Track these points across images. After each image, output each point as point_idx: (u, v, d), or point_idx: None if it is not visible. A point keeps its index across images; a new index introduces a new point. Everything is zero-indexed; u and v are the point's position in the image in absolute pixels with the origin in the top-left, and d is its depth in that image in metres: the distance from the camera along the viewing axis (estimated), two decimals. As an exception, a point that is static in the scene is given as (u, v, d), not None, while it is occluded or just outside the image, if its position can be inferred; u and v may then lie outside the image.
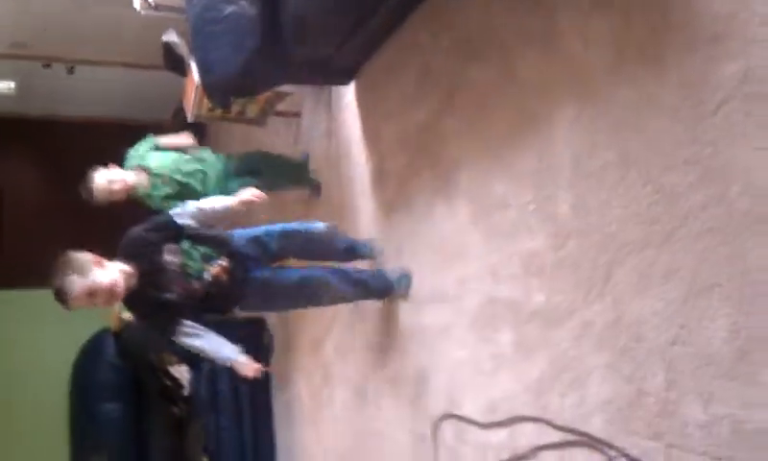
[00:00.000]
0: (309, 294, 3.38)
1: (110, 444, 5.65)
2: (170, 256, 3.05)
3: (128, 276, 2.95)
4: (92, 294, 2.87)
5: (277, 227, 3.43)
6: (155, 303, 3.01)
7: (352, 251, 3.70)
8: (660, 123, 2.09)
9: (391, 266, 3.60)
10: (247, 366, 3.18)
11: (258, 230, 3.39)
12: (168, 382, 5.69)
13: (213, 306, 3.22)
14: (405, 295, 3.49)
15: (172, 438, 5.56)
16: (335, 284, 3.39)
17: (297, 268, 3.51)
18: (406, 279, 3.47)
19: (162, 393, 5.69)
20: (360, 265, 3.75)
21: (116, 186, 4.24)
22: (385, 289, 3.53)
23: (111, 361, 5.91)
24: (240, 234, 3.32)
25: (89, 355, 6.03)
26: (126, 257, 3.00)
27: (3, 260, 7.30)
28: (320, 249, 3.58)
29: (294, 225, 3.52)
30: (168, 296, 3.00)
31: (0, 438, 6.41)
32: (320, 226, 3.56)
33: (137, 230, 3.09)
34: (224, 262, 3.16)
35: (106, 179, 4.24)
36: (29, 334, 6.93)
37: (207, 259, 3.23)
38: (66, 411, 6.00)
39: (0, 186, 7.65)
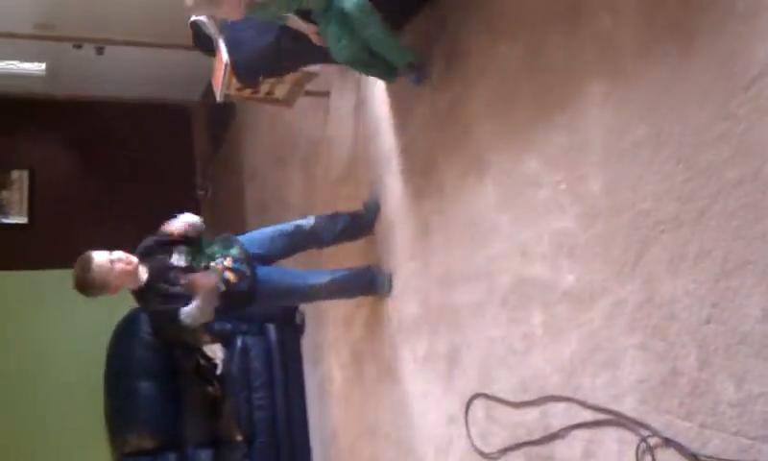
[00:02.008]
0: (311, 294, 4.00)
1: (146, 422, 5.72)
2: (177, 256, 3.53)
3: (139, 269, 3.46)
4: (113, 261, 3.36)
5: (276, 228, 3.92)
6: (164, 294, 3.42)
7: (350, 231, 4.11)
8: (691, 99, 2.06)
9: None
10: None
11: (260, 233, 3.92)
12: (202, 361, 5.76)
13: (231, 308, 3.64)
14: (388, 293, 3.96)
15: (207, 416, 5.62)
16: (330, 285, 3.89)
17: (298, 270, 4.08)
18: (388, 281, 3.95)
19: (197, 371, 5.75)
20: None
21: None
22: (371, 286, 4.00)
23: (146, 340, 5.98)
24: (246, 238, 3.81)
25: (124, 334, 6.10)
26: (140, 257, 3.48)
27: (36, 240, 7.41)
28: (313, 242, 4.04)
29: (288, 226, 3.95)
30: (177, 290, 3.40)
31: (37, 416, 6.53)
32: (311, 220, 3.98)
33: (151, 237, 3.61)
34: (227, 262, 3.55)
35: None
36: (64, 313, 7.00)
37: (213, 258, 3.60)
38: (102, 389, 6.09)
39: (32, 167, 7.73)
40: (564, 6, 2.59)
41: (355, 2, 3.15)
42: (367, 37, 3.28)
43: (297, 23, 3.45)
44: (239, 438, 5.07)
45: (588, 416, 2.47)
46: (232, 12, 3.22)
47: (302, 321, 5.38)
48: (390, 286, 3.95)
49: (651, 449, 2.20)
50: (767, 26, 1.83)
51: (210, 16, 3.81)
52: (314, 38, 3.40)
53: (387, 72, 3.60)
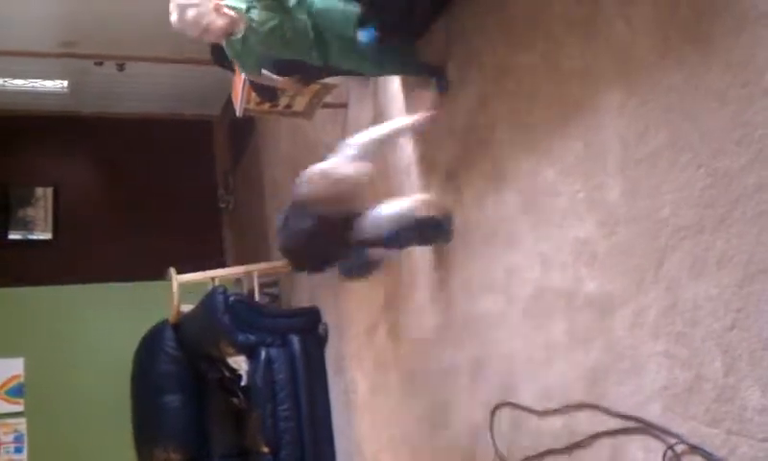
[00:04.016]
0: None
1: (173, 435, 5.77)
2: None
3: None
4: None
5: None
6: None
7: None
8: (709, 105, 2.06)
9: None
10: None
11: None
12: (226, 373, 5.80)
13: None
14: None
15: (232, 429, 5.66)
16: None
17: None
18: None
19: (221, 383, 5.80)
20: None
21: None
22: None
23: (172, 353, 6.03)
24: None
25: (149, 347, 6.16)
26: None
27: (60, 255, 7.49)
28: None
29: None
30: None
31: (65, 429, 6.59)
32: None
33: None
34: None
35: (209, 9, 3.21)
36: (88, 328, 7.09)
37: None
38: (129, 402, 6.15)
39: (56, 183, 7.83)
40: (579, 15, 2.60)
41: (369, 67, 3.43)
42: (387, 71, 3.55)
43: (269, 78, 3.54)
44: (264, 450, 5.09)
45: (614, 423, 2.47)
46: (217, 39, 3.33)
47: (325, 331, 5.40)
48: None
49: (677, 457, 2.20)
50: (784, 30, 1.83)
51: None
52: (288, 87, 3.41)
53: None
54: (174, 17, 3.18)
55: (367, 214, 3.11)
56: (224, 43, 3.40)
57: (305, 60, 3.39)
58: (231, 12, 3.22)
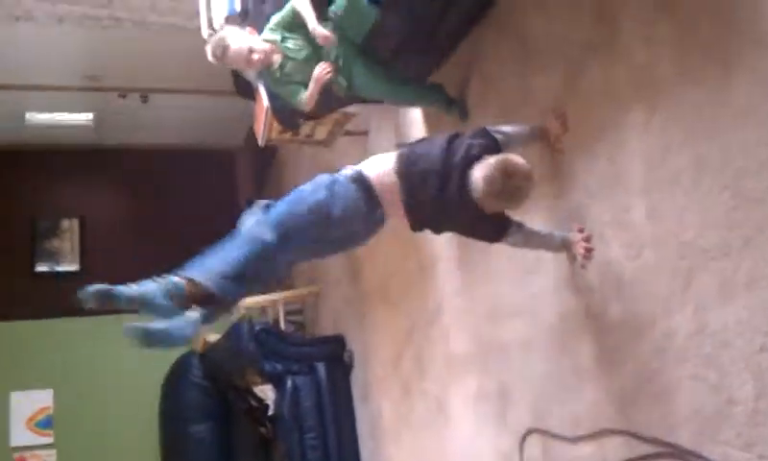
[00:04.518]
0: None
1: (201, 464, 5.78)
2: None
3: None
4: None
5: None
6: None
7: None
8: (732, 125, 2.05)
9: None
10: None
11: None
12: (253, 402, 5.80)
13: None
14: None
15: (259, 458, 5.66)
16: None
17: None
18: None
19: (248, 413, 5.80)
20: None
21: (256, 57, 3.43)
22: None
23: (198, 383, 6.06)
24: None
25: (176, 377, 6.20)
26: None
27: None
28: None
29: None
30: None
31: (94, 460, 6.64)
32: None
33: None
34: None
35: (247, 44, 3.42)
36: (116, 359, 7.13)
37: None
38: (156, 433, 6.17)
39: (82, 215, 7.91)
40: (599, 37, 2.60)
41: (389, 92, 3.48)
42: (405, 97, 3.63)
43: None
44: (293, 479, 5.08)
45: (645, 449, 2.43)
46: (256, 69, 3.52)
47: (351, 358, 5.40)
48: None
49: (709, 482, 2.16)
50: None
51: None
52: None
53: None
54: (214, 53, 3.42)
55: None
56: (261, 74, 3.62)
57: (333, 84, 3.45)
58: (266, 46, 3.41)
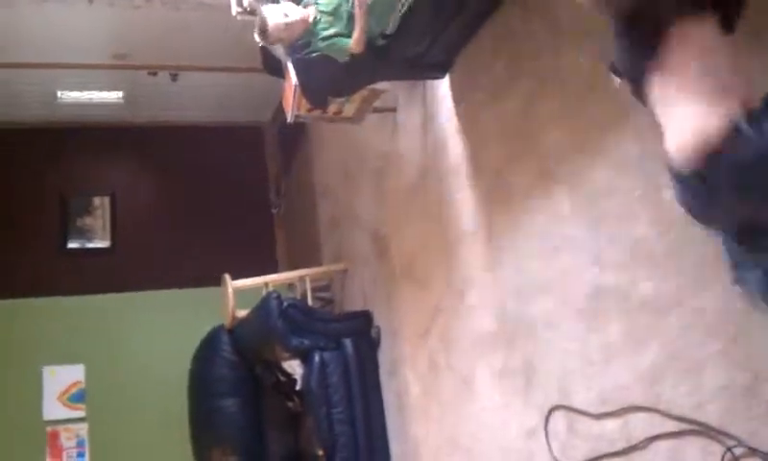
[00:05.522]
0: None
1: (230, 438, 5.84)
2: None
3: None
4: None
5: None
6: None
7: None
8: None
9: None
10: None
11: None
12: (281, 377, 5.86)
13: None
14: None
15: (288, 432, 5.72)
16: None
17: None
18: None
19: (276, 387, 5.86)
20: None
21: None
22: None
23: (228, 357, 6.11)
24: None
25: (206, 352, 6.25)
26: None
27: (119, 263, 7.65)
28: None
29: None
30: None
31: (125, 434, 6.73)
32: None
33: None
34: None
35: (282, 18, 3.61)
36: (147, 334, 7.23)
37: None
38: (186, 407, 6.25)
39: (113, 192, 7.99)
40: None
41: None
42: None
43: None
44: (320, 453, 5.13)
45: (671, 426, 2.44)
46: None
47: (378, 334, 5.43)
48: None
49: (736, 459, 2.16)
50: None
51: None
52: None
53: None
54: (259, 36, 3.64)
55: None
56: (294, 48, 3.78)
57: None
58: (299, 13, 3.62)
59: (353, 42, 3.49)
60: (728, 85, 1.46)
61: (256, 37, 3.60)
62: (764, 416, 2.07)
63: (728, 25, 1.53)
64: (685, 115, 1.50)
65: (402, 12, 3.40)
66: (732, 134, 1.40)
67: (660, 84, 1.56)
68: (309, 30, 3.59)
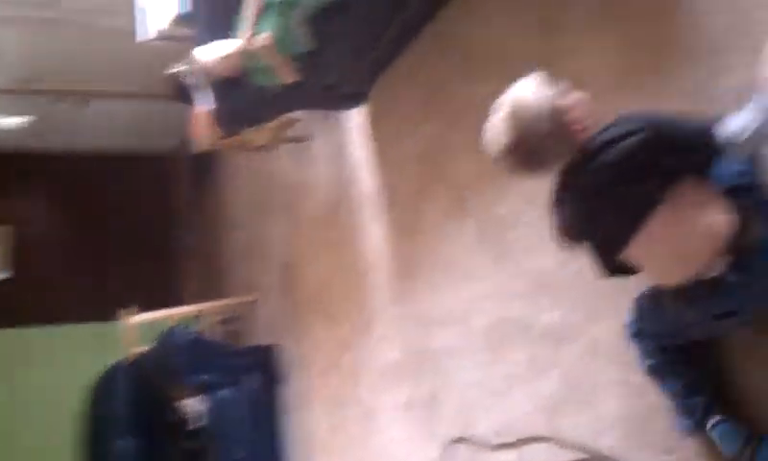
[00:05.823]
0: None
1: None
2: None
3: None
4: None
5: None
6: None
7: None
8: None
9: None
10: None
11: None
12: (181, 414, 5.67)
13: None
14: None
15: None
16: None
17: None
18: None
19: (176, 425, 5.66)
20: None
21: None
22: None
23: (125, 395, 5.89)
24: None
25: (102, 390, 6.01)
26: None
27: (20, 294, 7.35)
28: None
29: None
30: None
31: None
32: None
33: None
34: None
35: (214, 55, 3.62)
36: (45, 372, 6.95)
37: None
38: (78, 448, 5.98)
39: (16, 221, 7.70)
40: (536, 50, 2.62)
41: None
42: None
43: None
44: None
45: (569, 456, 2.44)
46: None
47: (283, 369, 5.33)
48: None
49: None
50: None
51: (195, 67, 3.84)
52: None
53: None
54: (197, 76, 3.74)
55: None
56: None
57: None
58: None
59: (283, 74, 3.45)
60: None
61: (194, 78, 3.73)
62: (661, 443, 2.09)
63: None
64: None
65: (307, 48, 3.37)
66: None
67: None
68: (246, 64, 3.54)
